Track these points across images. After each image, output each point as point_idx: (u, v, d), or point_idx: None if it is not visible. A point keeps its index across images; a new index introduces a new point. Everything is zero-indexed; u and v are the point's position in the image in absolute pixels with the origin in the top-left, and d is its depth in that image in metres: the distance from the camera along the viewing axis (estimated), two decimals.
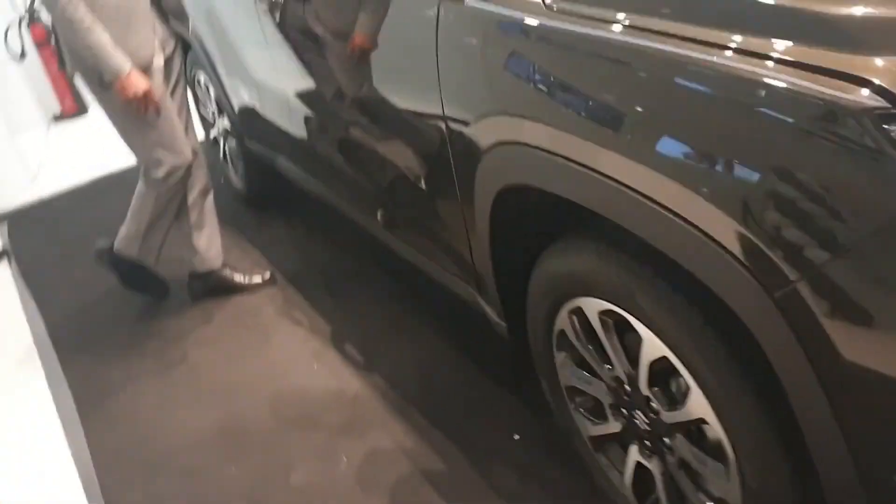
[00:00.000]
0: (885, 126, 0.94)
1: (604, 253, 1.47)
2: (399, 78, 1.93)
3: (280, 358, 2.72)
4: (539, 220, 1.65)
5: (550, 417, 1.97)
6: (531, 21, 1.43)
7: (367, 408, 2.38)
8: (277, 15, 2.42)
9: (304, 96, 2.55)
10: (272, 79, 2.72)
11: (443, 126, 1.75)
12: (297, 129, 2.72)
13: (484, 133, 1.62)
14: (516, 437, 2.15)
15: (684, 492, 1.55)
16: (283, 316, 2.94)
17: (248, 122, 3.22)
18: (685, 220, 1.18)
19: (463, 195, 1.79)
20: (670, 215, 1.19)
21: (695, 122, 1.15)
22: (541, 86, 1.42)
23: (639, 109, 1.23)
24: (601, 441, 1.77)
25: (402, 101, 1.94)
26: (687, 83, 1.14)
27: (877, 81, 0.95)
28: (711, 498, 1.49)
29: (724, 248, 1.13)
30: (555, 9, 1.39)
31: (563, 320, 1.68)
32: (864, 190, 0.98)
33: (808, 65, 1.02)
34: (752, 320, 1.15)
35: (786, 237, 1.06)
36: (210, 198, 2.97)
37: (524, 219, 1.68)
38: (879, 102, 0.94)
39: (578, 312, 1.61)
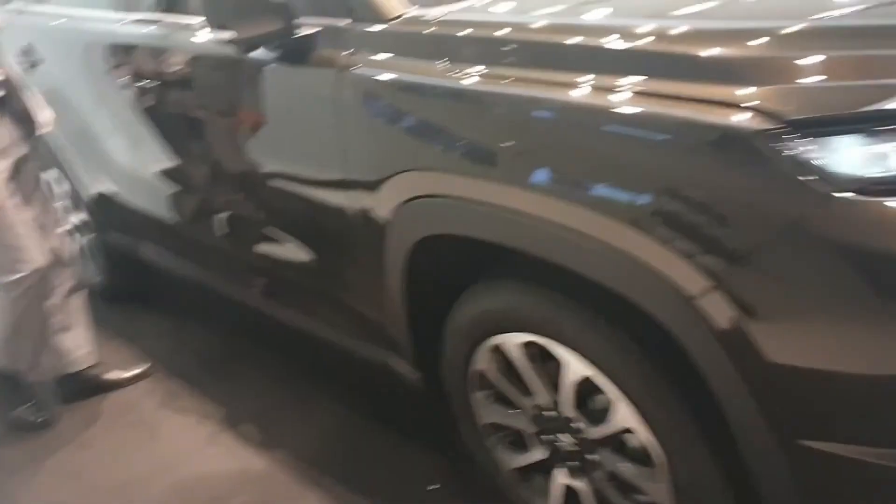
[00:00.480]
0: (773, 144, 1.14)
1: (524, 288, 1.61)
2: (293, 150, 2.01)
3: (171, 449, 2.63)
4: (454, 268, 1.77)
5: (465, 463, 2.05)
6: (415, 80, 1.59)
7: (278, 483, 2.35)
8: (148, 100, 2.45)
9: (181, 179, 2.56)
10: (142, 165, 2.71)
11: (347, 193, 1.85)
12: (170, 213, 2.71)
13: (392, 192, 1.73)
14: (432, 487, 2.21)
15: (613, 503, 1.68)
16: (167, 407, 2.85)
17: (109, 213, 3.15)
18: (606, 244, 1.34)
19: (373, 257, 1.88)
20: (590, 241, 1.35)
21: (610, 158, 1.32)
22: (438, 139, 1.57)
23: (552, 151, 1.40)
24: (524, 472, 1.88)
25: (299, 172, 2.02)
26: (605, 126, 1.33)
27: (760, 107, 1.16)
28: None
29: (644, 264, 1.30)
30: (438, 68, 1.56)
31: (481, 360, 1.79)
32: (757, 199, 1.18)
33: (695, 98, 1.22)
34: (675, 327, 1.32)
35: (696, 247, 1.24)
36: (80, 296, 2.87)
37: (438, 269, 1.79)
38: (765, 123, 1.15)
39: (497, 350, 1.73)
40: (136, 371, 3.01)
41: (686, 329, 1.30)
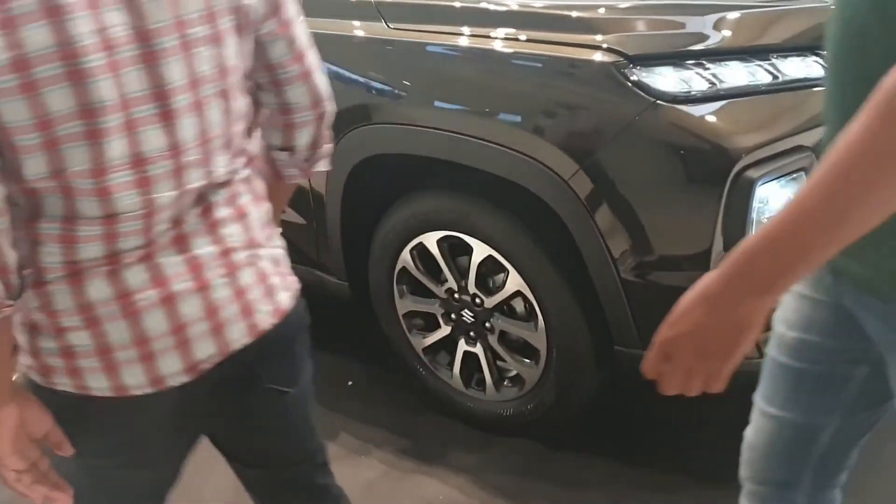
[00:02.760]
0: (624, 71, 1.79)
1: (440, 194, 2.19)
2: None
3: None
4: (385, 184, 2.31)
5: (375, 363, 2.57)
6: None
7: None
8: None
9: None
10: None
11: None
12: None
13: (337, 125, 2.26)
14: (350, 383, 2.72)
15: (503, 357, 2.26)
16: None
17: None
18: (504, 147, 1.94)
19: (315, 182, 2.38)
20: (500, 149, 1.95)
21: (518, 86, 1.93)
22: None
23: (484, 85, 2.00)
24: (432, 349, 2.43)
25: None
26: (516, 63, 1.94)
27: (606, 46, 1.81)
28: (523, 355, 2.22)
29: (533, 159, 1.91)
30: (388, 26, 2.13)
31: (404, 259, 2.33)
32: (609, 108, 1.82)
33: (569, 43, 1.86)
34: (554, 202, 1.93)
35: (568, 144, 1.87)
36: None
37: (369, 189, 2.33)
38: (615, 58, 1.80)
39: (419, 247, 2.29)
40: None
41: (562, 202, 1.92)
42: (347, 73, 2.20)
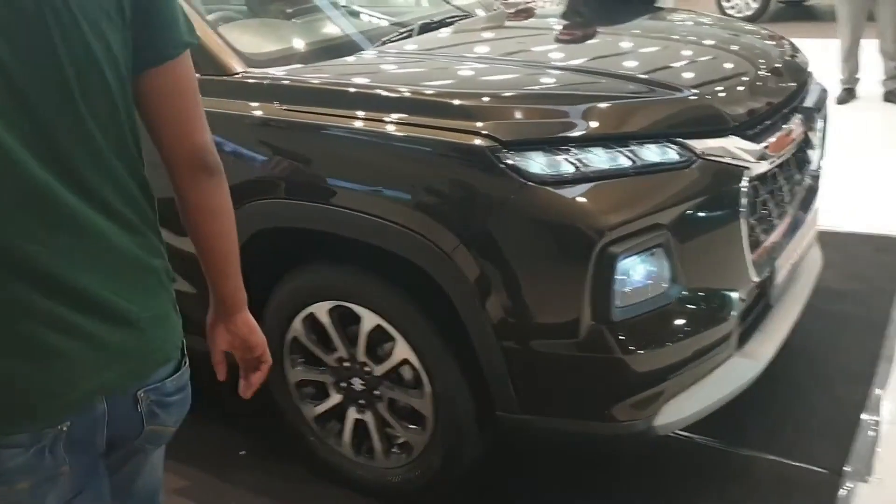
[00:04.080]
0: (498, 155, 1.93)
1: (330, 266, 2.28)
2: None
3: None
4: (272, 258, 2.37)
5: (269, 433, 2.60)
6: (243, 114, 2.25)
7: None
8: None
9: None
10: None
11: None
12: None
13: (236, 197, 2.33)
14: (242, 452, 2.73)
15: (392, 424, 2.33)
16: None
17: None
18: (391, 222, 2.05)
19: None
20: (390, 225, 2.05)
21: (405, 166, 2.06)
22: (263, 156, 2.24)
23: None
24: (323, 418, 2.47)
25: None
26: (403, 144, 2.06)
27: (485, 132, 1.96)
28: (411, 422, 2.30)
29: (418, 234, 2.02)
30: (277, 107, 2.23)
31: (295, 329, 2.39)
32: (484, 188, 1.96)
33: (449, 128, 2.00)
34: (437, 274, 2.04)
35: (449, 221, 1.99)
36: None
37: (261, 260, 2.39)
38: (491, 143, 1.95)
39: (309, 318, 2.35)
40: None
41: (444, 274, 2.03)
42: (244, 150, 2.29)
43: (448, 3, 3.16)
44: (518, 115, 2.06)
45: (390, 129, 2.08)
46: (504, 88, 2.20)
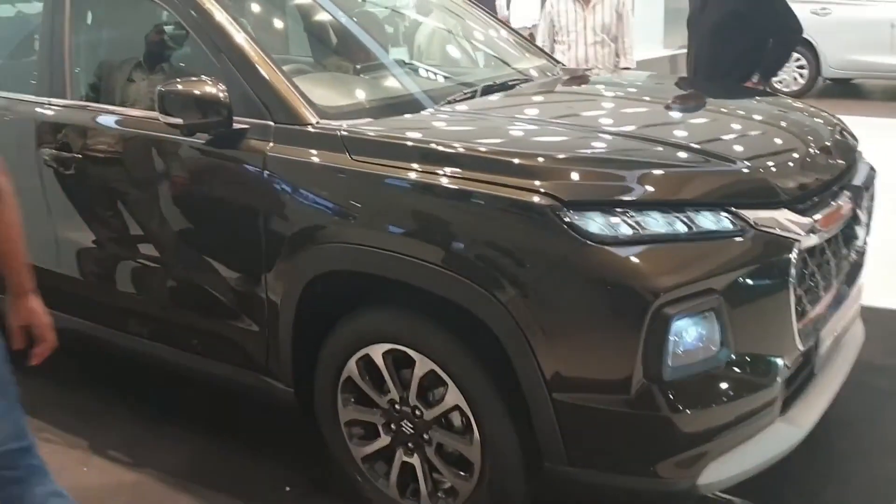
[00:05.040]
0: (560, 214, 2.03)
1: (388, 311, 2.37)
2: (220, 217, 2.66)
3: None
4: (336, 299, 2.48)
5: (314, 469, 2.67)
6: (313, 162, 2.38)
7: (152, 489, 2.82)
8: (82, 173, 2.95)
9: (110, 244, 3.05)
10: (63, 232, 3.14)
11: (260, 243, 2.53)
12: (85, 275, 3.16)
13: (294, 242, 2.45)
14: (288, 488, 2.80)
15: (440, 469, 2.40)
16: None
17: None
18: (460, 275, 2.14)
19: (270, 290, 2.55)
20: (450, 274, 2.15)
21: (465, 219, 2.16)
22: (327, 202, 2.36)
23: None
24: (371, 458, 2.55)
25: (224, 231, 2.66)
26: (464, 198, 2.17)
27: (545, 191, 2.06)
28: (458, 468, 2.37)
29: (475, 284, 2.12)
30: (347, 157, 2.35)
31: (349, 369, 2.48)
32: (544, 245, 2.06)
33: (513, 186, 2.10)
34: (494, 324, 2.13)
35: (508, 274, 2.09)
36: None
37: (324, 300, 2.50)
38: (552, 202, 2.05)
39: (365, 359, 2.44)
40: None
41: (500, 325, 2.12)
42: (311, 195, 2.41)
43: (508, 65, 3.30)
44: (578, 176, 2.16)
45: (454, 183, 2.19)
46: (565, 150, 2.31)
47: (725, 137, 2.62)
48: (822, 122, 2.86)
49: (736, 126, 2.78)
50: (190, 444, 3.08)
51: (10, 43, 3.64)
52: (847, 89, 10.12)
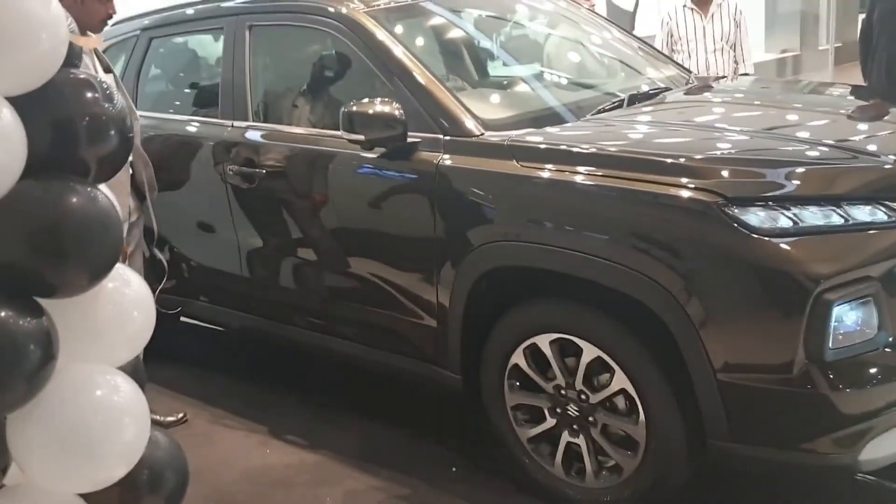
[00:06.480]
0: (725, 209, 2.23)
1: (555, 302, 2.61)
2: (397, 219, 2.94)
3: (230, 449, 3.32)
4: (503, 292, 2.72)
5: (476, 450, 2.92)
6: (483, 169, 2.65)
7: (331, 468, 3.12)
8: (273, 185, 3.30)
9: (271, 247, 3.40)
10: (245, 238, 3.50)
11: (431, 245, 2.80)
12: (265, 276, 3.51)
13: (466, 241, 2.71)
14: (454, 469, 3.06)
15: (605, 449, 2.61)
16: (217, 424, 3.53)
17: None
18: (633, 269, 2.36)
19: (442, 286, 2.81)
20: (622, 268, 2.37)
21: (640, 218, 2.38)
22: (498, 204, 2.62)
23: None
24: (536, 440, 2.78)
25: (404, 231, 2.93)
26: (639, 198, 2.39)
27: (709, 188, 2.26)
28: (622, 447, 2.57)
29: (645, 276, 2.33)
30: (515, 164, 2.60)
31: (517, 356, 2.72)
32: (710, 238, 2.26)
33: (684, 185, 2.31)
34: (662, 312, 2.33)
35: (677, 265, 2.29)
36: None
37: (492, 293, 2.74)
38: (717, 199, 2.25)
39: (531, 347, 2.68)
40: (175, 417, 3.58)
41: (669, 312, 2.32)
42: (481, 201, 2.68)
43: (645, 76, 3.50)
44: (739, 174, 2.35)
45: (625, 184, 2.41)
46: (725, 151, 2.51)
47: (869, 136, 2.77)
48: None
49: (877, 126, 2.91)
50: (357, 428, 3.38)
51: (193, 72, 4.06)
52: None
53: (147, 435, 1.73)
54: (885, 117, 2.99)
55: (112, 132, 1.61)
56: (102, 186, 1.68)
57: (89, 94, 1.60)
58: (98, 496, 1.71)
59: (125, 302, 1.75)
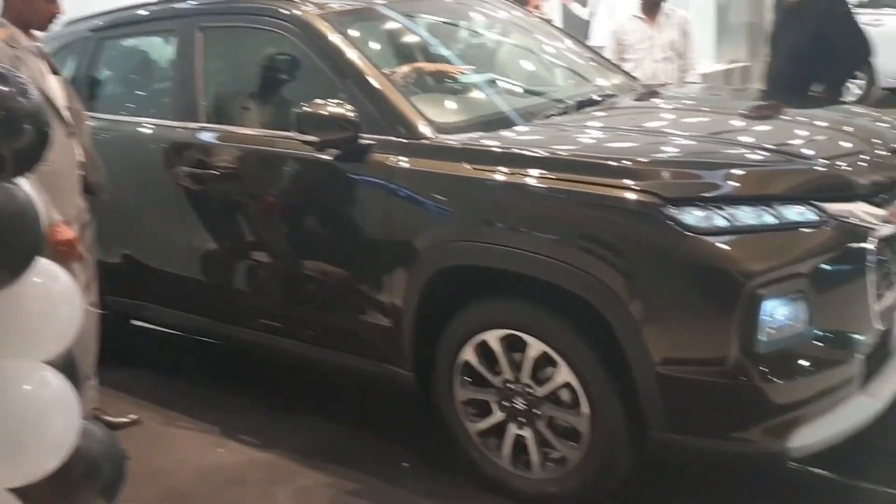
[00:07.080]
0: (662, 209, 2.33)
1: (503, 300, 2.69)
2: (349, 222, 3.00)
3: (185, 450, 3.34)
4: (454, 291, 2.80)
5: (428, 447, 2.98)
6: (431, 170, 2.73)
7: (283, 466, 3.15)
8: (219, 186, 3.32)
9: (236, 249, 3.42)
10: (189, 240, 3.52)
11: (383, 246, 2.87)
12: (208, 278, 3.53)
13: (418, 241, 2.78)
14: (405, 464, 3.12)
15: (550, 440, 2.69)
16: (171, 425, 3.54)
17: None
18: (574, 266, 2.45)
19: (395, 286, 2.88)
20: (565, 265, 2.46)
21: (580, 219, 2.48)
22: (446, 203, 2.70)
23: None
24: (485, 434, 2.85)
25: (357, 233, 3.00)
26: (579, 199, 2.49)
27: (648, 190, 2.37)
28: (567, 438, 2.66)
29: (588, 274, 2.43)
30: (466, 166, 2.68)
31: (467, 353, 2.79)
32: (648, 237, 2.36)
33: (627, 186, 2.41)
34: (603, 308, 2.43)
35: (616, 263, 2.39)
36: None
37: (443, 292, 2.82)
38: (655, 199, 2.35)
39: (481, 344, 2.76)
40: (128, 419, 3.55)
41: (610, 308, 2.42)
42: (431, 201, 2.75)
43: (592, 83, 3.61)
44: (676, 176, 2.47)
45: (572, 186, 2.51)
46: (662, 154, 2.62)
47: (802, 140, 2.91)
48: (887, 126, 3.12)
49: (810, 130, 3.05)
50: (310, 427, 3.42)
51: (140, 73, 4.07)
52: None
53: (76, 427, 1.73)
54: (820, 122, 3.14)
55: (27, 126, 1.61)
56: (21, 181, 1.68)
57: (2, 89, 1.60)
58: (31, 490, 1.71)
59: (52, 297, 1.75)
